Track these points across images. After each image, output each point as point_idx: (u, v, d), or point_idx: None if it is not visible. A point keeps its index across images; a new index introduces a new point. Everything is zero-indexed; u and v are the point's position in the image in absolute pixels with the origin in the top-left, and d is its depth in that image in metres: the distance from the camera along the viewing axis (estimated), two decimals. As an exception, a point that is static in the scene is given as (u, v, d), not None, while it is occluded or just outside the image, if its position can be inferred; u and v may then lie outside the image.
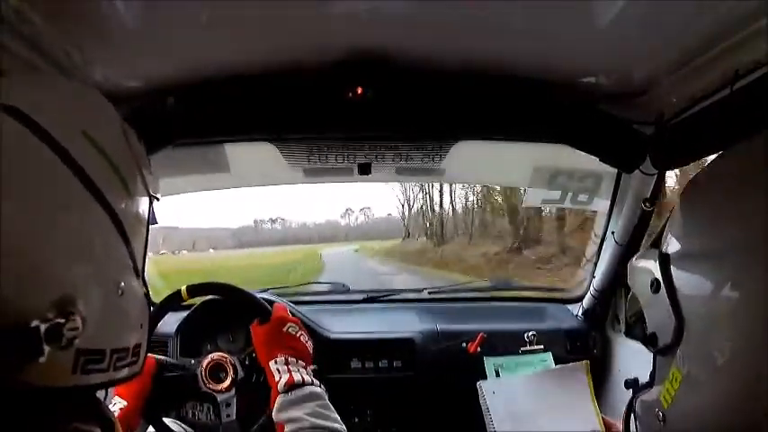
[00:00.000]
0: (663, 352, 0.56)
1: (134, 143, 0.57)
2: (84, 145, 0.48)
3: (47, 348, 0.41)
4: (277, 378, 0.77)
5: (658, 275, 0.55)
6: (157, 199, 0.65)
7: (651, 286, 0.56)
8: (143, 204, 0.58)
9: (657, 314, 0.56)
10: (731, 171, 0.54)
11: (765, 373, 0.43)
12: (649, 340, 0.58)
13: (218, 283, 1.01)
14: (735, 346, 0.46)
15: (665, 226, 0.59)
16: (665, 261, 0.55)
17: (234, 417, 0.98)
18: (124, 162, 0.54)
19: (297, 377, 0.77)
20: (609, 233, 1.22)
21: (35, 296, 0.42)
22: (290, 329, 0.87)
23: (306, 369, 0.81)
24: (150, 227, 0.62)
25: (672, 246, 0.56)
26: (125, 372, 0.52)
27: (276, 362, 0.80)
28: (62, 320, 0.42)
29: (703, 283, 0.50)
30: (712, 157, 0.59)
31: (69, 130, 0.48)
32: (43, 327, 0.41)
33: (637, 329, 0.59)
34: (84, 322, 0.44)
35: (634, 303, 0.62)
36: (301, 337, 0.87)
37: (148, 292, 0.59)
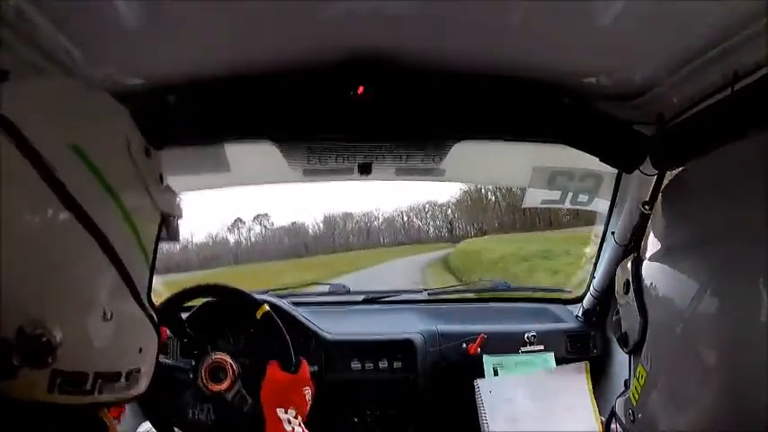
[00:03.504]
0: (634, 351, 0.58)
1: (140, 159, 0.53)
2: (71, 161, 0.46)
3: (18, 364, 0.41)
4: (288, 428, 0.84)
5: (630, 276, 0.57)
6: (180, 217, 0.63)
7: (624, 287, 0.58)
8: (148, 225, 0.54)
9: (628, 314, 0.58)
10: (710, 172, 0.55)
11: (725, 363, 0.44)
12: (622, 340, 0.59)
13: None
14: (694, 343, 0.46)
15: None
16: (637, 262, 0.57)
17: (212, 419, 1.02)
18: (122, 180, 0.50)
19: None
20: (609, 233, 1.22)
21: (4, 316, 0.41)
22: (306, 393, 0.92)
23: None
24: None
25: (648, 246, 0.57)
26: (119, 395, 0.51)
27: (287, 412, 0.86)
28: (33, 340, 0.42)
29: (666, 279, 0.51)
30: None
31: (56, 143, 0.45)
32: (14, 344, 0.40)
33: (616, 331, 0.62)
34: (58, 343, 0.43)
35: (616, 306, 0.64)
36: (308, 404, 0.92)
37: (155, 316, 0.56)
